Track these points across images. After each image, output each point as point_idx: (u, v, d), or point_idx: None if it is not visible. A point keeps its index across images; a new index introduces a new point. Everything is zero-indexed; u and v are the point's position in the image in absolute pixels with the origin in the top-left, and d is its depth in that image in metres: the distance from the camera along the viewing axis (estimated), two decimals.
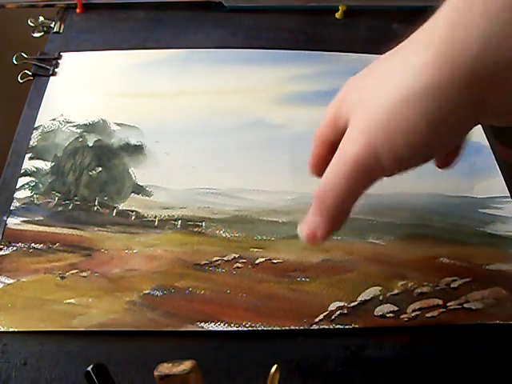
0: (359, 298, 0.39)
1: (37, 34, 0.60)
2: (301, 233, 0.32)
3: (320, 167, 0.34)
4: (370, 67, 0.32)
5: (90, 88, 0.53)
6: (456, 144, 0.32)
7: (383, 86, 0.28)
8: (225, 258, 0.41)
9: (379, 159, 0.28)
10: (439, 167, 0.36)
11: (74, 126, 0.50)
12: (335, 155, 0.30)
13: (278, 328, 0.38)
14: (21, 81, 0.54)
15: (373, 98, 0.29)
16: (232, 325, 0.38)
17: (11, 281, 0.39)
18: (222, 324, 0.38)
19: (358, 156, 0.28)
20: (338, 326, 0.38)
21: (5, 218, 0.43)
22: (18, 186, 0.45)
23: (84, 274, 0.40)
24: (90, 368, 0.29)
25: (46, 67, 0.55)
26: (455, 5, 0.26)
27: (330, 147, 0.33)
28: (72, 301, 0.38)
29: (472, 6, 0.25)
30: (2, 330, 0.37)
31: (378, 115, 0.28)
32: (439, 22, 0.27)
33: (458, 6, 0.26)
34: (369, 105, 0.29)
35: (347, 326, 0.38)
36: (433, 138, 0.27)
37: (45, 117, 0.50)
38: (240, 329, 0.38)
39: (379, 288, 0.40)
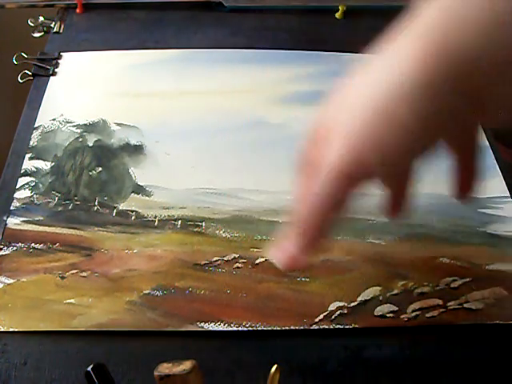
0: (359, 298, 0.39)
1: (37, 34, 0.60)
2: (276, 259, 0.29)
3: None
4: (349, 80, 0.29)
5: (89, 88, 0.53)
6: (446, 140, 0.29)
7: (368, 85, 0.26)
8: (225, 258, 0.41)
9: (364, 161, 0.26)
10: (459, 199, 0.34)
11: (74, 125, 0.50)
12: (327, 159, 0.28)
13: (278, 328, 0.38)
14: (21, 81, 0.54)
15: (357, 99, 0.27)
16: (232, 325, 0.38)
17: (11, 281, 0.39)
18: (221, 324, 0.38)
19: (342, 161, 0.26)
20: (337, 326, 0.38)
21: (5, 218, 0.43)
22: (18, 186, 0.45)
23: (84, 274, 0.40)
24: (90, 368, 0.29)
25: (46, 67, 0.55)
26: None
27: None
28: (72, 301, 0.38)
29: None
30: (2, 330, 0.37)
31: (363, 114, 0.26)
32: (430, 11, 0.25)
33: None
34: (352, 107, 0.27)
35: (347, 326, 0.38)
36: (423, 134, 0.26)
37: (45, 117, 0.50)
38: (240, 329, 0.38)
39: (379, 288, 0.40)
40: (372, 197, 0.46)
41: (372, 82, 0.27)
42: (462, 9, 0.23)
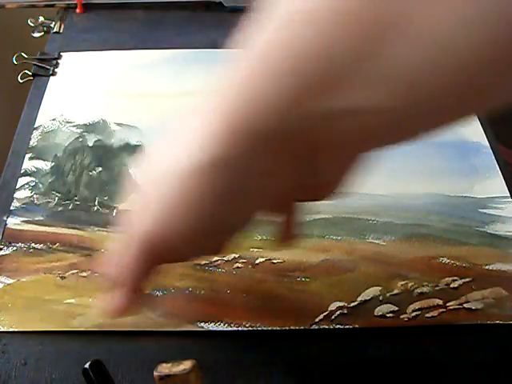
0: (359, 298, 0.39)
1: (37, 34, 0.60)
2: (102, 307, 0.30)
3: None
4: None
5: (90, 88, 0.54)
6: (245, 223, 0.29)
7: (167, 159, 0.26)
8: (225, 258, 0.41)
9: (167, 242, 0.26)
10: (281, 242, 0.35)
11: (73, 125, 0.50)
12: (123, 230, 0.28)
13: (278, 328, 0.38)
14: (21, 81, 0.54)
15: (158, 170, 0.26)
16: (232, 325, 0.38)
17: (11, 281, 0.39)
18: (221, 324, 0.38)
19: (144, 237, 0.26)
20: (338, 326, 0.38)
21: (5, 218, 0.43)
22: (18, 186, 0.45)
23: (84, 274, 0.40)
24: (87, 365, 0.29)
25: (46, 67, 0.55)
26: (247, 63, 0.23)
27: None
28: (72, 301, 0.38)
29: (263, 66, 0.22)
30: (2, 330, 0.37)
31: (162, 193, 0.25)
32: (231, 80, 0.24)
33: (249, 64, 0.23)
34: (154, 178, 0.26)
35: (347, 326, 0.38)
36: (220, 218, 0.25)
37: (45, 117, 0.50)
38: (240, 329, 0.37)
39: (379, 288, 0.40)
40: (372, 197, 0.46)
41: (169, 153, 0.26)
42: (256, 78, 0.22)
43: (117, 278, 0.29)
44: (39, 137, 0.49)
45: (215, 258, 0.41)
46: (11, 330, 0.37)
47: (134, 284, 0.29)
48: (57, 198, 0.45)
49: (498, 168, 0.48)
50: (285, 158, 0.23)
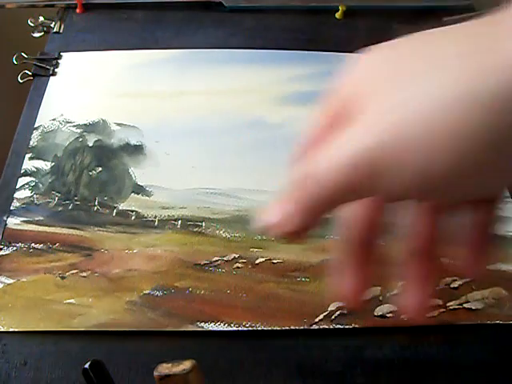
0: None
1: (37, 34, 0.60)
2: (266, 221, 0.24)
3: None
4: (400, 44, 0.23)
5: (90, 88, 0.53)
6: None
7: (423, 74, 0.20)
8: (225, 258, 0.41)
9: (384, 175, 0.20)
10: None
11: (74, 126, 0.50)
12: (332, 146, 0.22)
13: (278, 328, 0.38)
14: (21, 81, 0.54)
15: (402, 87, 0.20)
16: (232, 325, 0.38)
17: (11, 281, 0.39)
18: (221, 324, 0.38)
19: (354, 164, 0.20)
20: (337, 326, 0.38)
21: (5, 218, 0.43)
22: (18, 186, 0.45)
23: (84, 274, 0.40)
24: (87, 365, 0.29)
25: (46, 67, 0.55)
26: None
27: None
28: (72, 301, 0.38)
29: None
30: (2, 329, 0.37)
31: (405, 113, 0.19)
32: None
33: None
34: (395, 95, 0.20)
35: (347, 326, 0.38)
36: (491, 160, 0.19)
37: (45, 117, 0.50)
38: (240, 329, 0.38)
39: (379, 288, 0.40)
40: None
41: (430, 68, 0.20)
42: None
43: (306, 188, 0.23)
44: (39, 137, 0.49)
45: (215, 258, 0.41)
46: (11, 330, 0.37)
47: (317, 206, 0.23)
48: (57, 198, 0.45)
49: None
50: None
